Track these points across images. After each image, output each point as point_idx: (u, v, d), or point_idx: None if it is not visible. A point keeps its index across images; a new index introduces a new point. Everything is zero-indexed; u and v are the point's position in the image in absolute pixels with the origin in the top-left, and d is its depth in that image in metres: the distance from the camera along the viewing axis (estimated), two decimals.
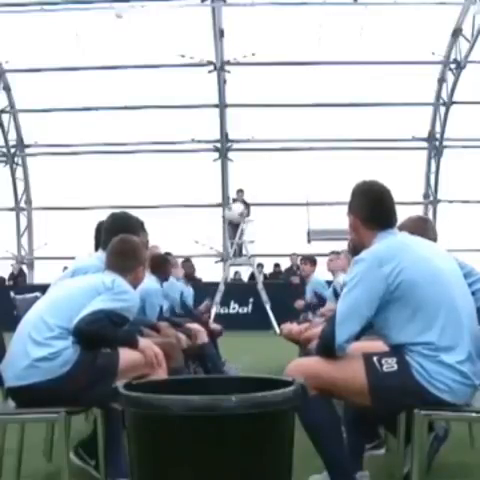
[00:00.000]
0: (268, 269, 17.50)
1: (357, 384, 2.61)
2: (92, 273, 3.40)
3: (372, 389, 2.59)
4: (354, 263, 2.71)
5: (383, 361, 2.61)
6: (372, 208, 2.81)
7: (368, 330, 2.69)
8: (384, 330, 2.68)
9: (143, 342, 3.16)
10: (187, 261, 8.00)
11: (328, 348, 2.64)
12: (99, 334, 2.95)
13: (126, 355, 3.03)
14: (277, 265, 17.36)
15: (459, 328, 2.60)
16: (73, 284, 3.25)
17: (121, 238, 3.40)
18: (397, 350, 2.63)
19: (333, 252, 7.44)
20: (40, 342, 2.89)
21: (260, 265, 16.80)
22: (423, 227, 3.34)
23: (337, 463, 2.69)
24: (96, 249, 4.01)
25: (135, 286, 3.37)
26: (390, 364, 2.59)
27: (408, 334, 2.59)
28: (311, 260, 7.91)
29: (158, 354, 3.12)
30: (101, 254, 3.55)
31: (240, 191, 16.25)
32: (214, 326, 7.28)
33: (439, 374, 2.54)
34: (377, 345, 2.76)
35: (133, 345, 3.10)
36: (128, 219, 3.74)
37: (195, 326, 6.64)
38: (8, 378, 2.93)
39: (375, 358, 2.63)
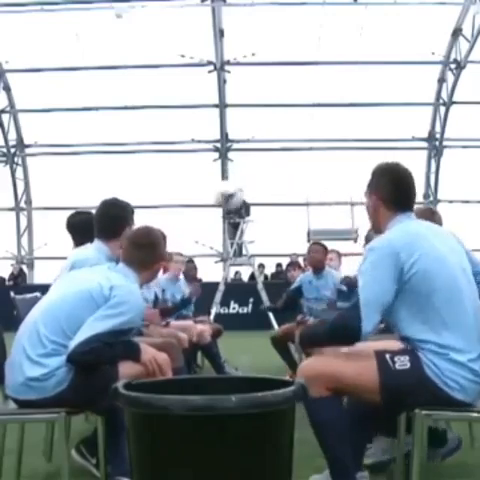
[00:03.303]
0: (268, 269, 17.49)
1: (369, 382, 2.59)
2: (91, 265, 3.27)
3: (384, 386, 2.57)
4: (368, 250, 2.68)
5: (396, 359, 2.59)
6: (394, 187, 2.78)
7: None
8: (395, 320, 2.66)
9: (146, 354, 2.97)
10: (190, 262, 7.93)
11: (352, 335, 2.59)
12: (96, 361, 2.83)
13: (126, 371, 2.86)
14: (279, 265, 17.34)
15: (470, 326, 2.60)
16: (71, 282, 3.08)
17: (146, 229, 3.21)
18: (409, 348, 2.62)
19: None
20: (33, 360, 2.80)
21: (261, 265, 16.78)
22: (430, 218, 3.33)
23: (341, 463, 2.67)
24: (76, 246, 3.98)
25: (149, 281, 3.29)
26: (403, 362, 2.57)
27: (418, 330, 2.59)
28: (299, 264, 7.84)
29: (162, 366, 2.96)
30: (97, 244, 3.51)
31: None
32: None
33: (451, 372, 2.53)
34: (390, 345, 2.75)
35: (135, 358, 2.94)
36: (125, 207, 3.58)
37: (199, 326, 6.63)
38: (8, 386, 2.88)
39: (388, 356, 2.61)
